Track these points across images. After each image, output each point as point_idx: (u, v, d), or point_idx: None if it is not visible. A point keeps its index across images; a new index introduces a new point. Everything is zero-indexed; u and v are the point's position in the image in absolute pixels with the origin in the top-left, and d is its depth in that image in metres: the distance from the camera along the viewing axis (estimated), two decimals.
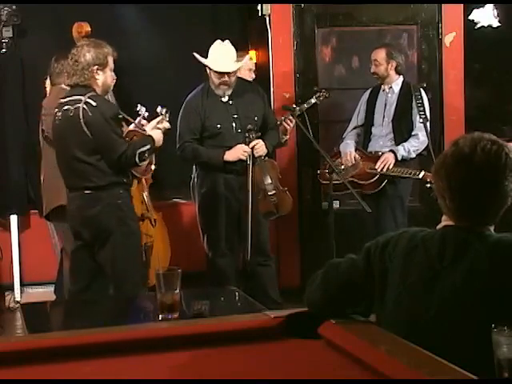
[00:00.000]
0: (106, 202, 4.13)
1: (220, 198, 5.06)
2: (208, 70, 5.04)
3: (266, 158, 5.13)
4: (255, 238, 5.06)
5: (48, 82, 4.92)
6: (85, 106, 4.07)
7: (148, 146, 4.17)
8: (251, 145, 4.96)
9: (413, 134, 5.46)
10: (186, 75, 6.00)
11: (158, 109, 4.43)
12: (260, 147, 4.99)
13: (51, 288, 5.58)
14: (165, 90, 6.09)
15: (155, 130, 4.29)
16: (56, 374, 1.87)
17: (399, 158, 5.36)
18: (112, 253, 4.15)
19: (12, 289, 6.04)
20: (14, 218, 6.09)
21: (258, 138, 5.02)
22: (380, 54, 5.53)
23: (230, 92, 5.04)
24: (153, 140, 4.23)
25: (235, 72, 5.04)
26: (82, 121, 4.06)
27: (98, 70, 4.14)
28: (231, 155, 4.98)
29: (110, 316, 3.56)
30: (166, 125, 4.39)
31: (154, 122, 4.36)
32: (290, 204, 5.27)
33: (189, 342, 2.03)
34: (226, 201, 5.07)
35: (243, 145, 4.98)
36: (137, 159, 4.11)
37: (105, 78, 4.19)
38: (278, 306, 4.93)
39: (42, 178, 4.97)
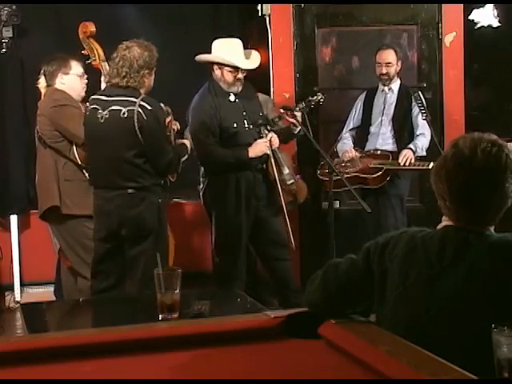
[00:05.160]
0: (149, 201, 4.17)
1: (241, 197, 5.01)
2: (218, 72, 4.99)
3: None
4: (274, 233, 5.07)
5: (42, 81, 4.93)
6: (140, 110, 4.06)
7: (186, 156, 4.38)
8: (268, 138, 4.98)
9: (419, 132, 5.49)
10: (186, 75, 6.01)
11: (161, 106, 4.43)
12: (275, 139, 5.01)
13: (51, 288, 5.58)
14: (164, 90, 6.08)
15: (187, 142, 4.53)
16: (56, 373, 1.87)
17: (418, 154, 5.42)
18: (148, 251, 4.12)
19: (12, 289, 6.05)
20: (14, 218, 6.09)
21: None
22: (391, 55, 5.54)
23: (241, 88, 5.03)
24: (187, 149, 4.45)
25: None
26: (136, 124, 4.06)
27: (147, 73, 4.17)
28: (255, 151, 4.96)
29: (110, 316, 3.55)
30: (177, 125, 4.53)
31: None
32: (306, 191, 5.30)
33: (189, 342, 2.03)
34: (246, 198, 5.02)
35: (263, 139, 4.99)
36: (179, 167, 4.31)
37: (150, 81, 4.23)
38: (301, 294, 4.92)
39: (36, 179, 4.98)
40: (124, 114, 4.08)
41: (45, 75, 4.85)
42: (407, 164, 5.37)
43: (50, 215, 4.81)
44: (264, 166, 5.05)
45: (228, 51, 4.97)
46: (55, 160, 4.71)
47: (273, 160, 5.00)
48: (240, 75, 4.98)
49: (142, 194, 4.16)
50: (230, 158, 4.96)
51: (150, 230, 4.17)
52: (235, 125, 4.98)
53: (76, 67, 4.78)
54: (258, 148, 4.96)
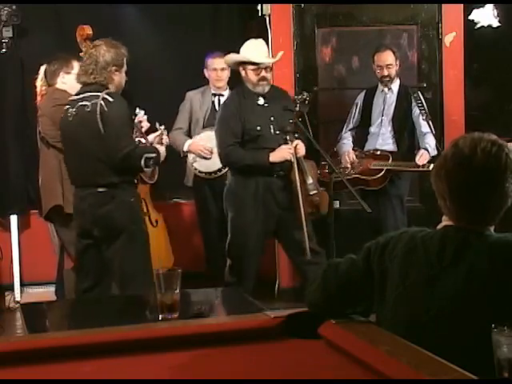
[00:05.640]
0: (119, 199, 4.14)
1: (258, 201, 4.98)
2: (243, 72, 5.00)
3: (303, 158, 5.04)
4: (298, 240, 4.96)
5: (38, 82, 4.93)
6: (102, 102, 4.07)
7: (154, 155, 4.21)
8: (293, 145, 4.91)
9: (425, 131, 5.48)
10: (186, 75, 6.01)
11: (157, 125, 4.50)
12: (301, 147, 4.94)
13: (51, 288, 5.59)
14: (165, 90, 6.10)
15: (161, 147, 4.39)
16: (56, 374, 1.87)
17: (432, 154, 5.41)
18: (121, 251, 4.14)
19: (12, 289, 6.05)
20: (14, 218, 6.09)
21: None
22: (391, 57, 5.54)
23: (268, 88, 5.01)
24: (158, 152, 4.29)
25: (270, 67, 5.05)
26: (98, 116, 4.06)
27: (115, 70, 4.17)
28: (276, 156, 4.91)
29: (110, 316, 3.55)
30: (166, 140, 4.52)
31: (153, 136, 4.47)
32: (327, 203, 5.10)
33: (189, 342, 2.03)
34: (264, 203, 4.98)
35: (287, 145, 4.92)
36: (142, 162, 4.11)
37: (120, 78, 4.22)
38: None
39: (40, 179, 4.98)
40: (88, 108, 4.11)
41: (45, 75, 4.85)
42: (425, 163, 5.35)
43: (54, 215, 4.81)
44: (287, 173, 4.96)
45: (250, 50, 5.00)
46: (59, 160, 4.71)
47: (296, 168, 4.88)
48: (263, 73, 4.96)
49: (112, 192, 4.13)
50: (249, 160, 4.95)
51: (120, 229, 4.13)
52: (259, 128, 4.93)
53: (78, 67, 4.79)
54: (281, 154, 4.90)
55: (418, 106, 5.41)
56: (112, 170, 4.11)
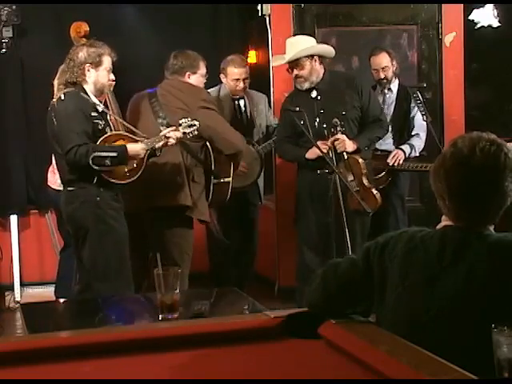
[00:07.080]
0: (82, 199, 4.12)
1: (311, 195, 4.99)
2: None
3: (347, 154, 4.85)
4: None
5: (56, 81, 4.90)
6: (55, 101, 4.11)
7: (112, 154, 4.00)
8: (331, 139, 4.77)
9: (414, 133, 5.49)
10: None
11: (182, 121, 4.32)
12: (341, 142, 4.78)
13: (51, 288, 5.59)
14: None
15: (137, 145, 4.13)
16: (56, 374, 1.87)
17: (407, 155, 5.44)
18: (90, 251, 4.14)
19: (12, 289, 6.05)
20: (13, 218, 6.09)
21: (343, 132, 4.82)
22: (385, 59, 5.53)
23: (307, 85, 4.97)
24: (125, 151, 4.06)
25: (303, 65, 4.95)
26: (52, 114, 4.11)
27: (90, 67, 4.12)
28: (311, 152, 4.85)
29: (110, 316, 3.55)
30: (178, 134, 4.21)
31: (167, 130, 4.24)
32: (374, 202, 4.92)
33: (189, 342, 2.03)
34: (317, 197, 4.92)
35: (323, 141, 4.80)
36: (89, 160, 3.95)
37: (97, 76, 4.15)
38: None
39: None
40: (50, 108, 4.15)
41: (167, 68, 4.71)
42: (396, 164, 5.37)
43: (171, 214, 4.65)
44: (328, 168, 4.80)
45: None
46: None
47: (334, 164, 4.65)
48: (296, 72, 4.97)
49: (77, 191, 4.14)
50: (290, 156, 5.09)
51: (85, 228, 4.12)
52: (302, 122, 4.77)
53: (203, 68, 4.72)
54: (314, 149, 4.78)
55: (418, 106, 5.41)
56: (68, 166, 4.10)
